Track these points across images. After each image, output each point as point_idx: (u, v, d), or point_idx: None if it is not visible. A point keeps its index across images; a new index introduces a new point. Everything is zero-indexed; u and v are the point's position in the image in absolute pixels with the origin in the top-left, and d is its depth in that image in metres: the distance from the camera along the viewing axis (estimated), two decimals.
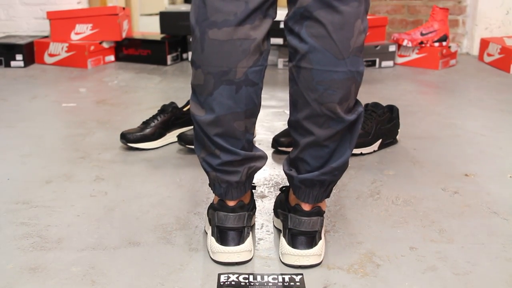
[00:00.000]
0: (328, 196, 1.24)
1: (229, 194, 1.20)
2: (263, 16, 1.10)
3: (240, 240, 1.19)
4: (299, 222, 1.19)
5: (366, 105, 1.96)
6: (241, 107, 1.12)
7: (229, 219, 1.19)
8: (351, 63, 1.08)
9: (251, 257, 1.21)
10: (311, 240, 1.19)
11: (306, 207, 1.21)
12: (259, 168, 1.22)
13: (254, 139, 2.01)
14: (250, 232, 1.23)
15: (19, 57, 3.24)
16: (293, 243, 1.19)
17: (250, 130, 1.17)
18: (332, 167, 1.17)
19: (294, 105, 1.15)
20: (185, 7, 3.59)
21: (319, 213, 1.22)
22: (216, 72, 1.10)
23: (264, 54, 1.14)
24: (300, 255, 1.18)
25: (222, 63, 1.09)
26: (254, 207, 1.31)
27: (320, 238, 1.21)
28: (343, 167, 1.19)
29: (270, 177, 1.68)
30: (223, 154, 1.15)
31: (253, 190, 1.43)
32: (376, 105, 1.94)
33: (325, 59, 1.07)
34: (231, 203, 1.21)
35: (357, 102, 1.16)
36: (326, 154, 1.16)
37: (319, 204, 1.23)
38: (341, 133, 1.14)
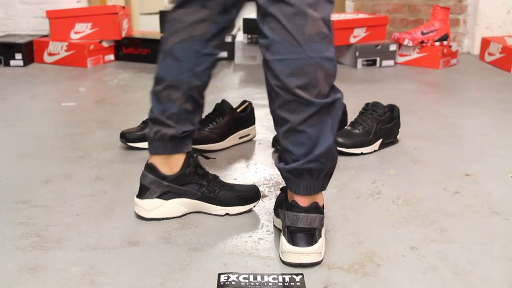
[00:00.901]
0: (322, 188, 1.24)
1: (150, 148, 1.40)
2: (201, 6, 1.29)
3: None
4: (296, 218, 1.20)
5: (367, 104, 1.96)
6: (163, 74, 1.34)
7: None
8: (310, 49, 1.13)
9: (146, 216, 1.39)
10: (310, 237, 1.20)
11: (302, 202, 1.22)
12: (166, 134, 1.36)
13: (254, 138, 2.01)
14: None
15: (18, 56, 3.24)
16: (292, 241, 1.19)
17: (174, 102, 1.34)
18: (316, 154, 1.18)
19: (270, 98, 1.22)
20: None
21: (317, 209, 1.22)
22: (161, 42, 1.37)
23: (196, 39, 1.31)
24: (300, 253, 1.18)
25: (164, 35, 1.35)
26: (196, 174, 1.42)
27: (320, 236, 1.21)
28: (328, 153, 1.20)
29: (270, 177, 1.68)
30: (151, 109, 1.39)
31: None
32: (376, 104, 1.94)
33: (283, 48, 1.14)
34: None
35: (333, 88, 1.19)
36: (307, 141, 1.18)
37: (316, 200, 1.23)
38: (316, 117, 1.16)
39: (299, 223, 1.20)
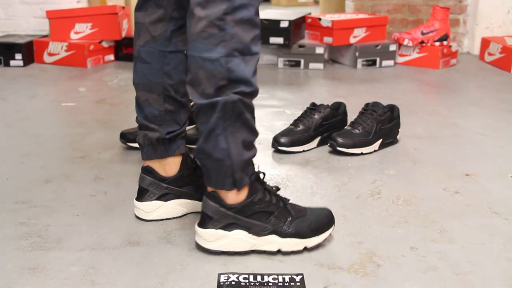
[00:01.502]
0: (216, 184, 1.21)
1: (142, 154, 1.41)
2: (156, 6, 1.32)
3: (141, 198, 1.40)
4: (203, 200, 1.25)
5: (367, 104, 1.96)
6: (137, 79, 1.37)
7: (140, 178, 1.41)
8: (193, 48, 1.15)
9: (145, 218, 1.40)
10: (203, 221, 1.24)
11: (207, 188, 1.25)
12: (152, 138, 1.37)
13: None
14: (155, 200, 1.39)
15: (18, 56, 3.24)
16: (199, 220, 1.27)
17: (153, 105, 1.36)
18: (196, 149, 1.21)
19: None
20: None
21: (215, 199, 1.22)
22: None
23: (158, 39, 1.33)
24: (196, 232, 1.26)
25: (133, 40, 1.38)
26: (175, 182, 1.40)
27: (213, 227, 1.22)
28: (200, 152, 1.20)
29: (270, 177, 1.68)
30: (136, 116, 1.41)
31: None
32: (376, 104, 1.94)
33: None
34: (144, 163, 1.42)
35: (219, 91, 1.14)
36: (201, 135, 1.20)
37: (217, 191, 1.22)
38: (202, 116, 1.17)
39: (202, 205, 1.24)
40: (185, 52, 1.35)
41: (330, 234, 1.29)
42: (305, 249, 1.25)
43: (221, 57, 1.12)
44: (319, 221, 1.27)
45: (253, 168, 1.24)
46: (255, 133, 1.21)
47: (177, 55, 1.34)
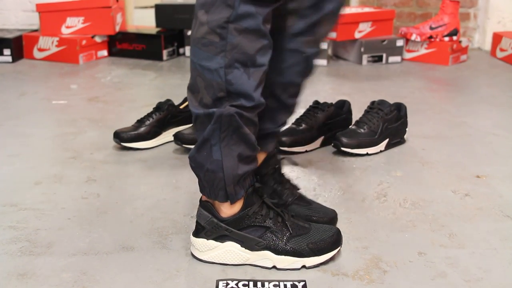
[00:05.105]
0: (210, 195, 1.21)
1: None
2: None
3: None
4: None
5: (372, 102, 1.96)
6: None
7: None
8: (193, 53, 1.14)
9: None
10: (196, 229, 1.25)
11: (202, 197, 1.25)
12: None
13: None
14: None
15: (7, 51, 3.24)
16: None
17: None
18: (189, 157, 1.22)
19: None
20: (181, 0, 3.59)
21: (207, 208, 1.22)
22: None
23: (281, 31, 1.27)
24: (190, 240, 1.26)
25: None
26: None
27: (203, 237, 1.22)
28: (191, 161, 1.21)
29: None
30: None
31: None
32: (382, 102, 1.94)
33: None
34: None
35: (217, 102, 1.12)
36: (195, 145, 1.21)
37: (210, 201, 1.23)
38: (197, 124, 1.17)
39: (196, 213, 1.25)
40: (306, 54, 1.27)
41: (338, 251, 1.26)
42: (304, 267, 1.22)
43: (220, 68, 1.10)
44: (322, 241, 1.23)
45: (251, 180, 1.22)
46: (254, 149, 1.19)
47: (295, 55, 1.26)
